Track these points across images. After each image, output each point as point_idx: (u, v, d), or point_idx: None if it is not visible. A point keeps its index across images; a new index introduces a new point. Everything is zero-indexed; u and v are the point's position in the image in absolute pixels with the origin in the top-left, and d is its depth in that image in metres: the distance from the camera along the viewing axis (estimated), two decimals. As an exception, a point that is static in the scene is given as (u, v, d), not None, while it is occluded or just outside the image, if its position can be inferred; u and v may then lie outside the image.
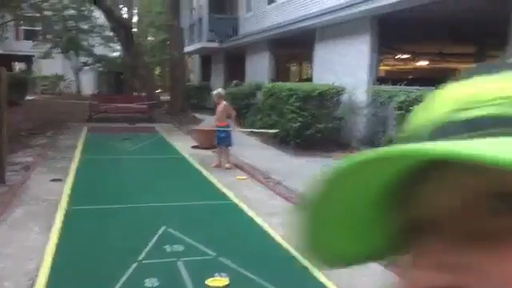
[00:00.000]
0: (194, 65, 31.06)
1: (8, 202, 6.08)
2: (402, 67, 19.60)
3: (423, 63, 18.41)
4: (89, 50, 33.34)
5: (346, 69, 11.46)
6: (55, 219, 5.49)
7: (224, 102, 9.13)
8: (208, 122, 12.26)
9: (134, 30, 29.61)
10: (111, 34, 28.65)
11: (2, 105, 7.22)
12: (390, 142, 7.55)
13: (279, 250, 4.76)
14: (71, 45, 32.50)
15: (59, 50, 32.84)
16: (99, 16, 27.58)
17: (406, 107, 6.93)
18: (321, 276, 4.10)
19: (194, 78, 29.73)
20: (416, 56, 17.44)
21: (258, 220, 5.69)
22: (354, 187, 0.29)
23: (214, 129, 9.56)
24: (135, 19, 37.03)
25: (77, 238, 4.94)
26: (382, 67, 15.32)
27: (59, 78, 35.81)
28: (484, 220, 0.26)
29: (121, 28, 21.24)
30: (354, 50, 11.17)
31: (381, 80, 10.51)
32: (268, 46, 16.73)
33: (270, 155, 10.42)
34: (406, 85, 8.72)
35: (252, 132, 11.76)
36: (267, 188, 7.35)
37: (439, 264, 0.27)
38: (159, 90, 27.58)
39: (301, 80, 22.43)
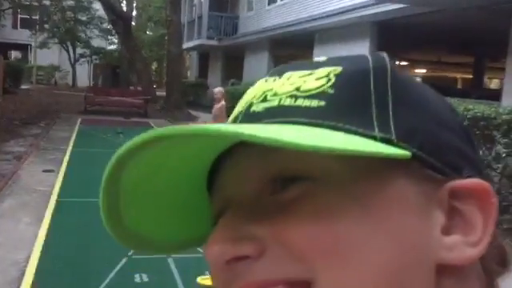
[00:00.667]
0: (191, 62, 31.01)
1: (-2, 190, 6.02)
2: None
3: (421, 71, 18.48)
4: (86, 42, 33.26)
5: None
6: (46, 210, 5.44)
7: (223, 102, 9.00)
8: (203, 120, 12.22)
9: (133, 23, 29.51)
10: (109, 26, 28.61)
11: (-3, 92, 7.16)
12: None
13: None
14: (68, 35, 32.39)
15: (56, 41, 32.71)
16: (98, 8, 27.49)
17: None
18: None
19: (191, 74, 29.67)
20: (414, 64, 17.50)
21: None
22: (159, 169, 0.34)
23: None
24: (134, 13, 36.91)
25: (67, 230, 4.89)
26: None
27: (55, 68, 35.61)
28: (266, 199, 0.31)
29: (119, 21, 21.14)
30: (353, 54, 11.16)
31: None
32: (267, 46, 16.73)
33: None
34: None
35: None
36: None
37: (234, 237, 0.31)
38: (155, 86, 27.50)
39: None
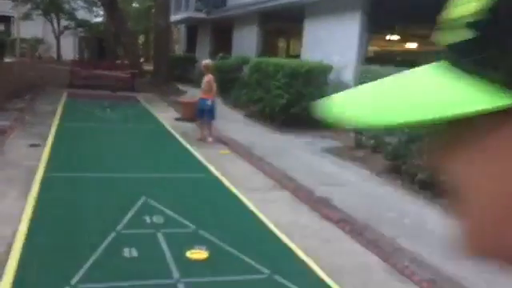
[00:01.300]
0: (179, 35, 30.52)
1: (-17, 165, 5.90)
2: (391, 49, 19.54)
3: (412, 45, 18.37)
4: (71, 14, 32.47)
5: (335, 47, 11.35)
6: (33, 185, 5.35)
7: (210, 75, 8.97)
8: (191, 94, 12.07)
9: (119, -5, 28.80)
10: (95, -2, 27.91)
11: (-21, 64, 6.95)
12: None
13: (259, 225, 4.74)
14: (52, 7, 31.55)
15: (40, 12, 31.86)
16: (83, -22, 26.76)
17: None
18: (300, 253, 4.09)
19: (179, 48, 29.26)
20: (405, 38, 17.37)
21: (239, 195, 5.65)
22: None
23: (197, 100, 9.61)
24: (120, -16, 36.04)
25: (54, 206, 4.82)
26: (370, 47, 15.25)
27: (39, 41, 34.82)
28: None
29: (105, -8, 20.63)
30: (344, 27, 11.05)
31: (369, 60, 10.45)
32: (257, 20, 16.48)
33: (254, 131, 10.34)
34: (394, 66, 8.67)
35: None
36: (250, 164, 7.30)
37: None
38: (142, 60, 27.08)
39: (289, 57, 22.23)
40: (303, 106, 10.34)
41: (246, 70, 13.98)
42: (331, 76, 10.36)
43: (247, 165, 7.27)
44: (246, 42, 17.18)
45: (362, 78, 9.06)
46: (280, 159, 7.50)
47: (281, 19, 15.88)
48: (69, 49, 34.00)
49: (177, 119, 11.05)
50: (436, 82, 0.32)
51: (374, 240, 4.44)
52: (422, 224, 4.99)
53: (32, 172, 5.87)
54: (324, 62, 10.90)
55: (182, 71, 21.88)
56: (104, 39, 31.58)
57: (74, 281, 3.31)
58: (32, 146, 7.30)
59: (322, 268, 3.84)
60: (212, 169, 6.81)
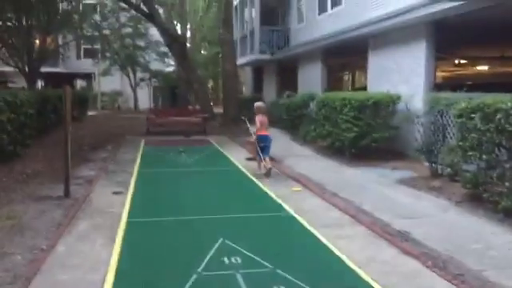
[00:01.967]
0: (246, 77, 31.40)
1: (73, 215, 6.35)
2: (461, 72, 18.90)
3: (483, 68, 17.67)
4: (145, 66, 34.59)
5: (402, 76, 11.20)
6: (117, 231, 5.68)
7: (260, 115, 9.73)
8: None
9: (188, 44, 30.37)
10: (166, 49, 29.60)
11: (67, 121, 7.59)
12: (451, 150, 7.28)
13: (336, 262, 4.69)
14: (128, 61, 33.84)
15: (117, 67, 34.27)
16: (154, 33, 28.54)
17: (467, 115, 6.66)
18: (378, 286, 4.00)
19: (247, 89, 30.04)
20: (475, 60, 16.78)
21: (314, 232, 5.64)
22: None
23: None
24: (189, 34, 37.99)
25: (138, 250, 5.08)
26: (438, 73, 14.85)
27: (118, 93, 37.30)
28: None
29: (175, 44, 21.84)
30: (409, 56, 10.91)
31: (438, 86, 10.19)
32: (320, 56, 16.67)
33: (324, 166, 10.33)
34: (465, 91, 8.39)
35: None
36: (323, 199, 7.28)
37: None
38: (212, 103, 28.06)
39: (354, 89, 22.14)
40: (373, 138, 10.23)
41: (312, 106, 14.09)
42: (399, 106, 10.20)
43: (320, 201, 7.26)
44: (311, 79, 17.37)
45: (431, 106, 8.85)
46: (353, 193, 7.42)
47: (344, 53, 15.96)
48: (145, 98, 36.03)
49: (248, 159, 11.28)
50: None
51: (460, 274, 4.25)
52: (510, 255, 4.71)
53: (116, 218, 6.23)
54: (391, 92, 10.77)
55: (250, 112, 22.39)
56: (176, 87, 33.18)
57: (160, 323, 3.44)
58: (115, 193, 7.76)
59: (404, 305, 3.72)
60: (286, 206, 6.87)
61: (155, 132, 17.47)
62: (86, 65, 35.19)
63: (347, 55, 16.69)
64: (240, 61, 23.46)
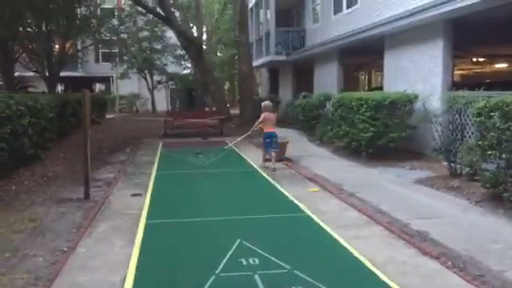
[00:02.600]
0: (262, 78, 31.44)
1: (93, 217, 6.45)
2: (479, 71, 18.65)
3: (502, 65, 17.40)
4: (162, 69, 34.87)
5: (418, 75, 11.11)
6: (136, 233, 5.75)
7: (266, 113, 10.77)
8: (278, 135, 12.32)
9: (204, 47, 30.54)
10: (182, 52, 29.83)
11: (87, 124, 7.71)
12: (470, 150, 7.20)
13: (354, 263, 4.68)
14: (146, 64, 34.17)
15: (135, 70, 34.63)
16: (171, 36, 28.78)
17: (486, 113, 6.57)
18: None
19: (263, 90, 30.07)
20: (493, 58, 16.54)
21: (332, 232, 5.63)
22: None
23: (286, 141, 11.32)
24: (205, 37, 38.20)
25: (157, 252, 5.13)
26: (456, 71, 14.67)
27: (135, 96, 37.67)
28: None
29: (191, 46, 21.99)
30: (426, 55, 10.81)
31: (456, 85, 10.08)
32: (336, 56, 16.62)
33: (341, 166, 10.29)
34: (484, 89, 8.27)
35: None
36: (340, 200, 7.26)
37: None
38: (229, 105, 28.17)
39: (370, 89, 22.00)
40: (390, 138, 10.16)
41: (329, 106, 14.06)
42: (417, 105, 10.11)
43: (338, 201, 7.24)
44: (327, 79, 17.32)
45: (449, 105, 8.76)
46: (371, 193, 7.39)
47: (360, 53, 15.89)
48: (162, 101, 36.35)
49: (265, 160, 11.29)
50: None
51: (480, 275, 4.20)
52: (532, 255, 4.64)
53: (135, 220, 6.32)
54: (408, 91, 10.69)
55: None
56: (193, 89, 33.40)
57: (179, 323, 3.48)
58: (134, 195, 7.86)
59: (423, 306, 3.70)
60: (303, 207, 6.87)
61: (173, 134, 17.61)
62: (105, 68, 35.67)
63: (363, 55, 16.61)
64: (256, 62, 23.51)
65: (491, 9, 8.57)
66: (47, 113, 11.57)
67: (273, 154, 10.31)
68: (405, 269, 4.48)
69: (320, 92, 16.32)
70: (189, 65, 35.30)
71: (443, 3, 9.26)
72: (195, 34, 28.37)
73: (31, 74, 20.88)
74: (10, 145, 8.69)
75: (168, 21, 21.53)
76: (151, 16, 26.82)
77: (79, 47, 27.16)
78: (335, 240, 5.39)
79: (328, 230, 5.77)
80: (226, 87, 44.61)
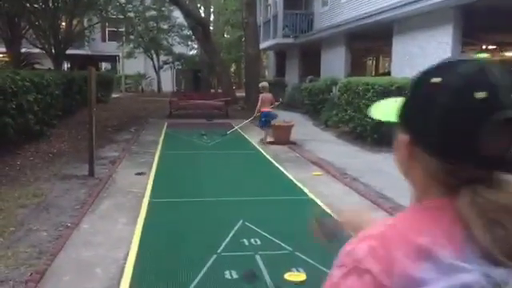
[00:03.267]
0: (268, 61, 31.26)
1: (97, 194, 6.49)
2: (489, 58, 18.44)
3: (511, 54, 17.19)
4: (168, 49, 34.69)
5: (427, 62, 10.86)
6: (140, 211, 5.79)
7: (265, 93, 11.64)
8: (282, 118, 12.32)
9: (211, 28, 30.34)
10: (189, 32, 29.62)
11: (92, 102, 7.71)
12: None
13: (357, 247, 4.69)
14: (152, 44, 33.99)
15: (141, 50, 34.45)
16: (178, 16, 28.57)
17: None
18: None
19: (269, 74, 29.92)
20: (504, 46, 16.34)
21: (334, 216, 5.63)
22: None
23: (291, 124, 11.50)
24: (212, 18, 37.91)
25: (160, 230, 5.17)
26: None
27: (141, 76, 37.57)
28: None
29: (198, 27, 21.83)
30: (435, 41, 10.69)
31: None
32: (344, 40, 16.47)
33: (346, 151, 10.28)
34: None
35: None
36: (343, 184, 7.27)
37: None
38: (235, 87, 28.08)
39: (377, 74, 21.84)
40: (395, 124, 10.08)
41: (335, 90, 13.98)
42: (425, 91, 10.02)
43: (341, 185, 7.25)
44: (334, 63, 17.19)
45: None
46: (374, 179, 7.38)
47: (368, 38, 15.73)
48: (168, 81, 36.24)
49: (269, 142, 11.30)
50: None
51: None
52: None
53: (139, 198, 6.35)
54: (416, 77, 10.59)
55: (273, 95, 22.33)
56: (199, 70, 33.28)
57: (180, 300, 3.53)
58: (138, 174, 7.89)
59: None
60: (306, 190, 6.88)
61: (178, 115, 17.60)
62: (111, 47, 35.50)
63: (371, 40, 16.45)
64: (263, 45, 23.33)
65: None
66: (53, 90, 11.57)
67: (266, 130, 11.48)
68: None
69: (327, 76, 16.22)
70: (195, 46, 35.08)
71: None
72: (202, 15, 28.13)
73: (37, 50, 20.80)
74: (15, 120, 8.72)
75: (175, 0, 21.35)
76: (159, -5, 26.59)
77: (86, 25, 27.00)
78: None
79: (331, 213, 5.77)
80: (232, 69, 44.41)
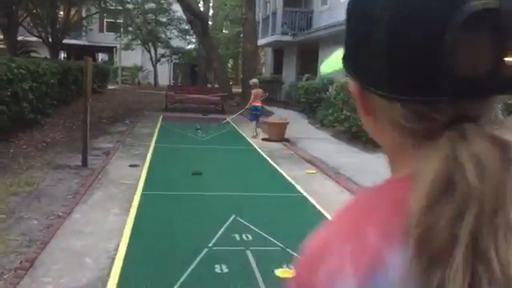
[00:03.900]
0: (266, 58, 31.24)
1: (89, 184, 6.47)
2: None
3: None
4: (166, 42, 34.58)
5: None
6: (132, 203, 5.78)
7: (255, 89, 12.19)
8: (278, 115, 12.35)
9: (210, 22, 30.27)
10: (188, 26, 29.53)
11: (88, 93, 7.67)
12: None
13: (348, 245, 4.71)
14: (150, 37, 33.86)
15: (139, 42, 34.31)
16: (177, 9, 28.46)
17: (505, 107, 6.54)
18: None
19: (266, 71, 29.91)
20: None
21: (326, 214, 5.66)
22: None
23: (286, 122, 11.53)
24: (211, 12, 37.82)
25: (151, 222, 5.16)
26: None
27: (138, 68, 37.42)
28: None
29: (197, 21, 21.77)
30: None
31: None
32: (342, 40, 16.45)
33: (341, 150, 10.30)
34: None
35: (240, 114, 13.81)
36: (337, 183, 7.28)
37: None
38: (231, 82, 28.05)
39: (375, 75, 21.84)
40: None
41: (331, 89, 13.99)
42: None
43: (334, 184, 7.26)
44: (333, 62, 17.17)
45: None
46: (368, 178, 7.39)
47: (367, 38, 15.73)
48: (164, 75, 36.14)
49: (264, 139, 11.30)
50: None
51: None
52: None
53: (132, 190, 6.34)
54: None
55: (268, 93, 22.34)
56: (196, 65, 33.20)
57: (169, 292, 3.53)
58: (131, 166, 7.87)
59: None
60: (299, 188, 6.89)
61: (173, 108, 17.57)
62: (109, 38, 35.34)
63: (370, 40, 16.44)
64: (261, 41, 23.30)
65: None
66: (49, 79, 11.51)
67: (256, 124, 11.99)
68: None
69: (324, 76, 16.21)
70: (193, 40, 35.03)
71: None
72: (202, 9, 28.05)
73: (34, 39, 20.70)
74: (10, 108, 8.67)
75: (175, -7, 21.28)
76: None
77: (84, 15, 26.86)
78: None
79: (323, 211, 5.79)
80: (229, 65, 44.35)
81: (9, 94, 8.61)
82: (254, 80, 12.86)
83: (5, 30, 17.47)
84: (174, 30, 34.56)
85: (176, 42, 34.88)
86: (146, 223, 5.10)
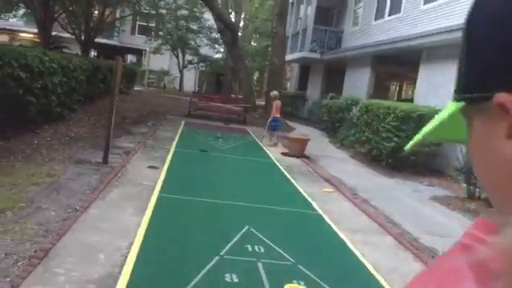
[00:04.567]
0: (292, 73, 31.31)
1: (108, 181, 6.55)
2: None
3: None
4: (195, 50, 34.96)
5: (451, 92, 10.91)
6: (148, 203, 5.82)
7: (277, 101, 12.87)
8: (299, 131, 12.37)
9: (240, 34, 30.53)
10: (217, 36, 29.83)
11: (115, 92, 7.80)
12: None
13: (359, 267, 4.66)
14: (180, 43, 34.27)
15: (168, 47, 34.76)
16: (209, 18, 28.79)
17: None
18: (401, 302, 3.95)
19: (291, 86, 29.96)
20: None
21: (341, 234, 5.61)
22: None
23: (307, 138, 11.58)
24: (242, 24, 38.15)
25: (166, 224, 5.20)
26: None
27: (165, 73, 37.87)
28: None
29: (227, 31, 21.98)
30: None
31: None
32: (370, 62, 16.43)
33: (359, 172, 10.23)
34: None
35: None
36: (353, 204, 7.22)
37: None
38: (255, 95, 28.16)
39: (400, 100, 21.71)
40: (412, 151, 10.03)
41: (355, 110, 13.95)
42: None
43: (351, 205, 7.21)
44: (358, 83, 17.15)
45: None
46: (385, 203, 7.33)
47: (395, 62, 15.68)
48: (190, 81, 36.49)
49: (283, 153, 11.30)
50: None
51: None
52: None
53: (149, 191, 6.39)
54: (438, 107, 10.52)
55: (292, 108, 22.37)
56: (222, 74, 33.45)
57: (178, 296, 3.53)
58: (151, 167, 7.95)
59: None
60: (315, 206, 6.85)
61: (196, 115, 17.71)
62: (139, 41, 35.89)
63: (398, 65, 16.39)
64: (288, 57, 23.38)
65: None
66: (78, 75, 11.73)
67: (275, 135, 12.67)
68: (408, 280, 4.43)
69: (348, 95, 16.19)
70: (221, 49, 35.36)
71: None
72: (233, 20, 28.33)
73: (67, 35, 21.15)
74: (38, 100, 8.85)
75: (208, 2, 21.55)
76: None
77: (117, 16, 27.38)
78: (343, 242, 5.37)
79: (337, 231, 5.75)
80: (255, 77, 44.57)
81: (39, 86, 8.80)
82: (275, 92, 13.61)
83: (40, 25, 17.91)
84: (203, 38, 34.96)
85: (205, 50, 35.24)
86: (161, 225, 5.13)
